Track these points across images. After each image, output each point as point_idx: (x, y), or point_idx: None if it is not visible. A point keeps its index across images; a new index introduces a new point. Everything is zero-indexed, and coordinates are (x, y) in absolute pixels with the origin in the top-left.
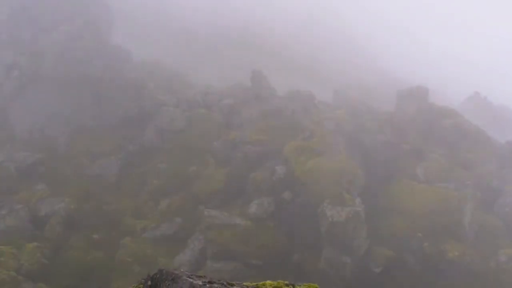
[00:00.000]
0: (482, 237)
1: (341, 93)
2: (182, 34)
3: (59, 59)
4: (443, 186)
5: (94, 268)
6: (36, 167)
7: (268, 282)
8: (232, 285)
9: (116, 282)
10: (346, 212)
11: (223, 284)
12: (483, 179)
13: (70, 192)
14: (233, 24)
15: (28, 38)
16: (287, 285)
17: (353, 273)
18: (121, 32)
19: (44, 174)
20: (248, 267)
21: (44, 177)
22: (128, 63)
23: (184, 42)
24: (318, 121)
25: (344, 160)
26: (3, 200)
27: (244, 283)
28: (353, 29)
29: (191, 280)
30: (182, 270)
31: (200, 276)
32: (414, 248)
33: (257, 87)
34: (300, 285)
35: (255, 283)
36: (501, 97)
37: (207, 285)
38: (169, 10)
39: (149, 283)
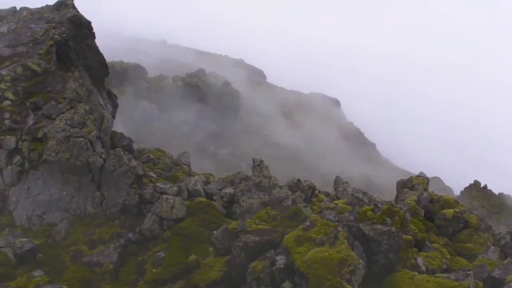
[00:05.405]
0: None
1: (341, 183)
2: (185, 125)
3: (61, 146)
4: (444, 276)
5: None
6: (34, 253)
7: None
8: None
9: None
10: None
11: None
12: (484, 269)
13: (67, 279)
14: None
15: (31, 124)
16: None
17: None
18: (124, 120)
19: (42, 261)
20: None
21: (42, 263)
22: (130, 151)
23: (187, 133)
24: (319, 211)
25: (345, 250)
26: None
27: None
28: (353, 118)
29: None
30: None
31: None
32: None
33: (258, 176)
34: None
35: None
36: (501, 186)
37: None
38: (161, 108)
39: None
